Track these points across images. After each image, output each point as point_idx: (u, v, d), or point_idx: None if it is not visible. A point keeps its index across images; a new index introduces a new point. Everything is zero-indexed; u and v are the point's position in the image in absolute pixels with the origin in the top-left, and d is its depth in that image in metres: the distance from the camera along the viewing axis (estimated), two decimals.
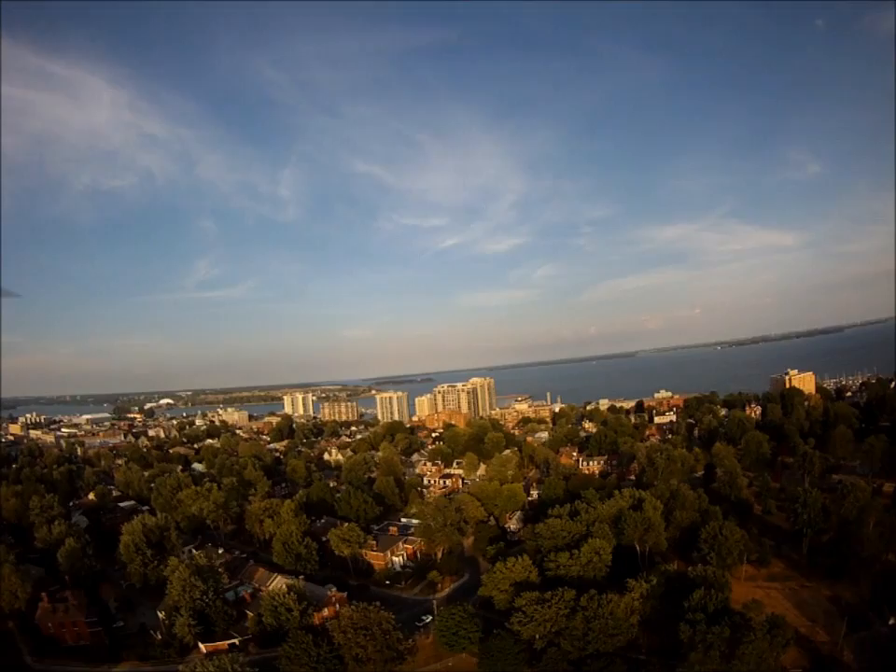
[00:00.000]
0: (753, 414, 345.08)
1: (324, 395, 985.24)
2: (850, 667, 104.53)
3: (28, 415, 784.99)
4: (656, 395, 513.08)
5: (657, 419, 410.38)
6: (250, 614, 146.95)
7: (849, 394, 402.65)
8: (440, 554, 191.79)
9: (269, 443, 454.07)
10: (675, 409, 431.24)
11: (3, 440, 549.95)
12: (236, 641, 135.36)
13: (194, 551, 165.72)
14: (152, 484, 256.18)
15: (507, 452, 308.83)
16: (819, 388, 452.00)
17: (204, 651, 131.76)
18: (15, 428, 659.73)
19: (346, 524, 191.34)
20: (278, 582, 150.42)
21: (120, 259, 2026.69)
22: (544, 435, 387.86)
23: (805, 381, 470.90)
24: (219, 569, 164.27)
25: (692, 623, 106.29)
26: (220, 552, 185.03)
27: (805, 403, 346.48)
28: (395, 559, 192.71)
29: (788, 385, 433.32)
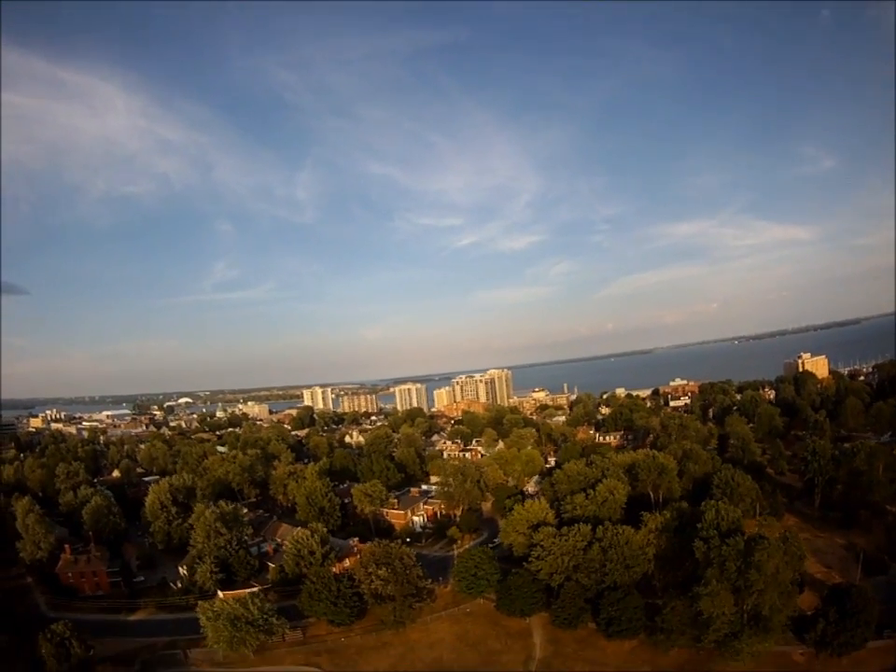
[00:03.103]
0: (767, 397, 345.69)
1: (343, 392, 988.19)
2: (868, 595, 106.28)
3: (49, 412, 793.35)
4: (671, 383, 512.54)
5: (672, 403, 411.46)
6: (272, 565, 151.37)
7: (862, 377, 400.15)
8: (459, 515, 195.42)
9: (291, 431, 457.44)
10: (690, 394, 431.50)
11: (25, 430, 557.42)
12: (256, 590, 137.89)
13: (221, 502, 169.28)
14: (177, 460, 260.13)
15: (525, 429, 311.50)
16: (831, 372, 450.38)
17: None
18: (36, 422, 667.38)
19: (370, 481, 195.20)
20: (302, 532, 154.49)
21: (138, 263, 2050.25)
22: (562, 419, 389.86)
23: (817, 365, 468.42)
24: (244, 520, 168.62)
25: (705, 540, 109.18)
26: (245, 511, 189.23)
27: (818, 385, 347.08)
28: (415, 518, 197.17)
29: (801, 370, 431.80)
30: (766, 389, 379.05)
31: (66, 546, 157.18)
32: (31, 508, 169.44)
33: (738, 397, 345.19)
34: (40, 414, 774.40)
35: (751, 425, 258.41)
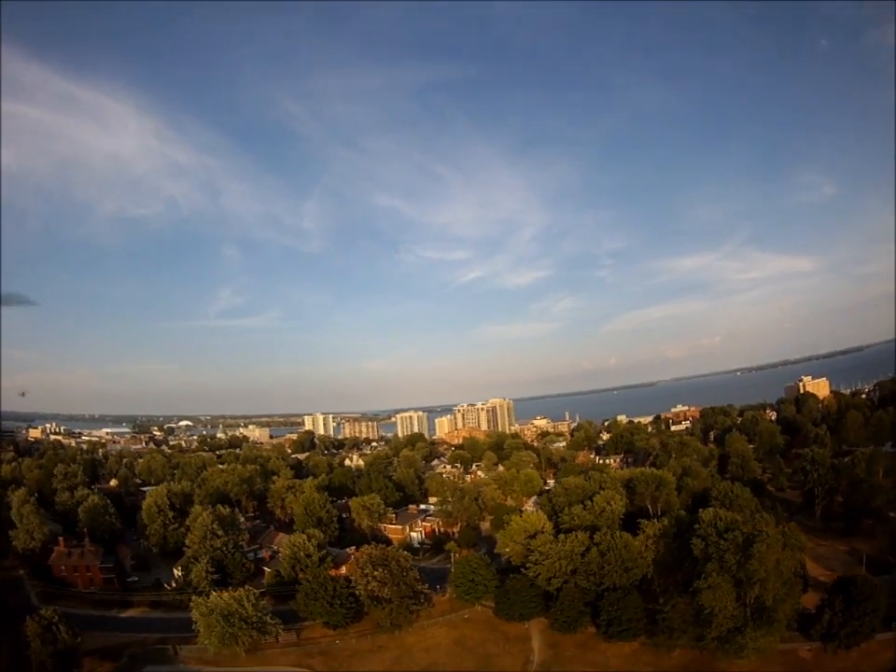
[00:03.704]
0: (769, 417, 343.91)
1: (344, 419, 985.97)
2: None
3: (48, 425, 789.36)
4: (673, 409, 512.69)
5: (674, 427, 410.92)
6: (268, 570, 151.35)
7: (864, 395, 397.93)
8: (457, 531, 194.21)
9: (291, 454, 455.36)
10: (691, 419, 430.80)
11: (25, 439, 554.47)
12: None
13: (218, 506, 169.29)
14: (175, 472, 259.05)
15: (524, 452, 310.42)
16: (832, 392, 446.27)
17: None
18: (35, 433, 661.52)
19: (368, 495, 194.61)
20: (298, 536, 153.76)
21: (144, 285, 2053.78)
22: (562, 444, 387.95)
23: (819, 386, 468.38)
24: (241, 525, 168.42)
25: (703, 538, 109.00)
26: (242, 519, 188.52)
27: (820, 405, 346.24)
28: (413, 534, 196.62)
29: (802, 391, 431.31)
30: (768, 411, 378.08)
31: (60, 539, 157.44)
32: (26, 499, 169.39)
33: (739, 420, 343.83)
34: (39, 426, 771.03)
35: (752, 445, 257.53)
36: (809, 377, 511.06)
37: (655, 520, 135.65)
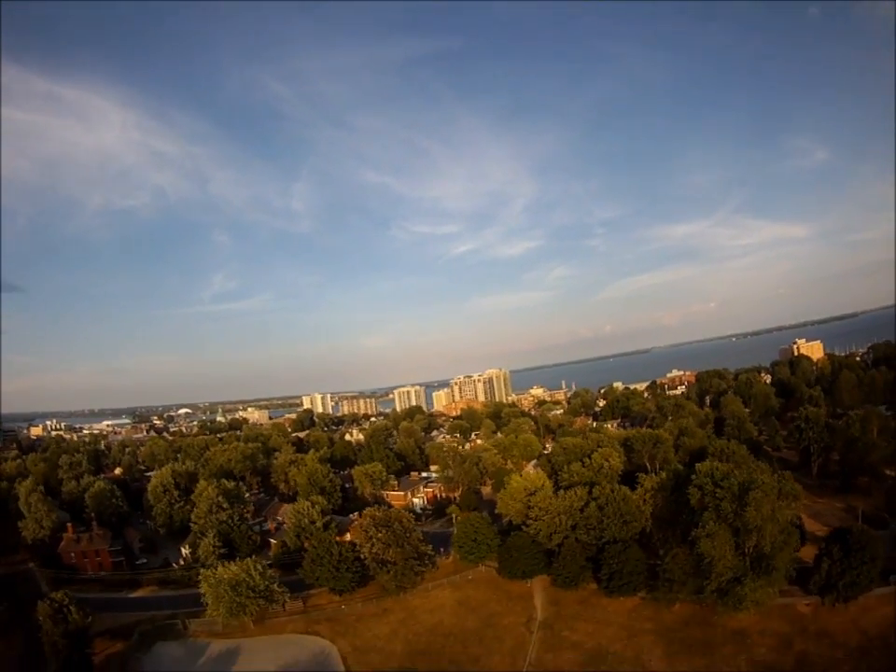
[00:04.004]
0: (764, 380, 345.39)
1: (342, 398, 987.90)
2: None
3: (49, 422, 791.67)
4: (668, 375, 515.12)
5: (669, 392, 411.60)
6: (273, 541, 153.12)
7: (858, 358, 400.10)
8: (458, 496, 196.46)
9: (291, 433, 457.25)
10: (686, 383, 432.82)
11: (27, 436, 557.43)
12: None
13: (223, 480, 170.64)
14: (178, 455, 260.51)
15: (522, 419, 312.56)
16: (827, 354, 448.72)
17: None
18: (37, 430, 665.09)
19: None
20: (303, 503, 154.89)
21: (136, 276, 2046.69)
22: (559, 412, 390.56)
23: (813, 349, 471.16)
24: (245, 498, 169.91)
25: (700, 487, 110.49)
26: (247, 494, 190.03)
27: (814, 367, 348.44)
28: (415, 500, 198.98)
29: (796, 354, 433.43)
30: (763, 374, 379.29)
31: (69, 525, 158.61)
32: (34, 488, 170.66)
33: (734, 383, 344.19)
34: (40, 424, 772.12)
35: (748, 408, 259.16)
36: (803, 340, 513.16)
37: (653, 474, 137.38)
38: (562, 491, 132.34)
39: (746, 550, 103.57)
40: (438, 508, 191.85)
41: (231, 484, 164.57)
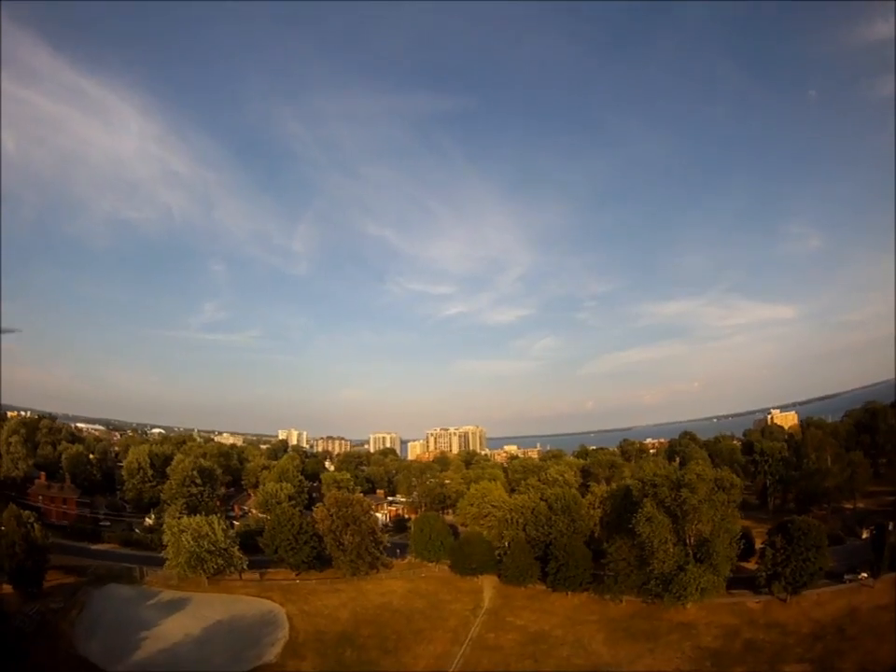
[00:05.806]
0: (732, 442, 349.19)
1: (317, 440, 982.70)
2: None
3: (22, 413, 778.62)
4: (645, 441, 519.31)
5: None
6: (237, 523, 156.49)
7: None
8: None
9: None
10: (658, 445, 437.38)
11: None
12: None
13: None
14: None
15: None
16: (799, 422, 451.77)
17: None
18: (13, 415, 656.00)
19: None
20: (271, 486, 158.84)
21: (129, 290, 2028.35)
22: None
23: (787, 419, 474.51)
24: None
25: (641, 480, 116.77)
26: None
27: (785, 435, 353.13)
28: (379, 515, 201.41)
29: (770, 423, 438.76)
30: (735, 441, 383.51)
31: (42, 474, 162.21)
32: (17, 430, 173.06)
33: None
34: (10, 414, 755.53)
35: (714, 465, 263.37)
36: (777, 410, 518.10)
37: (604, 484, 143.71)
38: (515, 493, 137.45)
39: (687, 539, 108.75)
40: (399, 524, 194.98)
41: (207, 462, 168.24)
